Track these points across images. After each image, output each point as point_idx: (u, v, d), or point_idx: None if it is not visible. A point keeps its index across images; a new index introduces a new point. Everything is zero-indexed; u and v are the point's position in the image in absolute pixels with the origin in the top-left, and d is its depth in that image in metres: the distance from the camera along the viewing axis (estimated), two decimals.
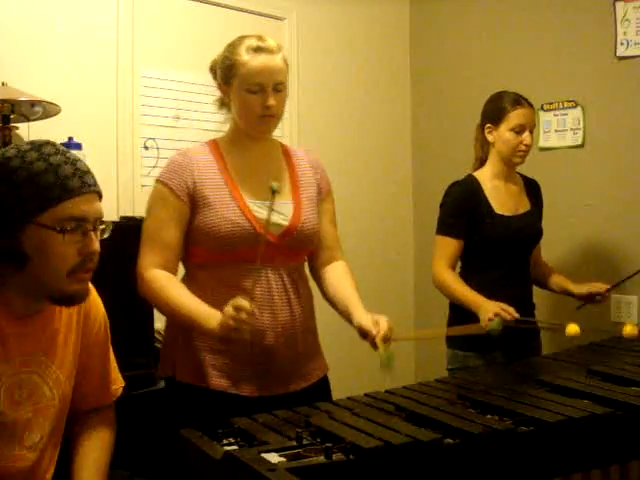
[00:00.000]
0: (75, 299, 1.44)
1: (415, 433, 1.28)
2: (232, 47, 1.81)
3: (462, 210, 2.44)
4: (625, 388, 1.59)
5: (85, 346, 1.58)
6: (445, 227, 2.45)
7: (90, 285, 1.59)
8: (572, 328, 2.12)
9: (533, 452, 1.35)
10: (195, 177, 1.79)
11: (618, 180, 2.94)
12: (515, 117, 2.42)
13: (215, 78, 1.89)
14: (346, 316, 1.82)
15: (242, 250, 1.76)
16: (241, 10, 3.22)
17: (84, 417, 1.62)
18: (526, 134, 2.43)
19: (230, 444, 1.32)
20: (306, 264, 1.97)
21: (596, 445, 1.42)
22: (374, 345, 1.69)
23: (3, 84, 2.28)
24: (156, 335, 2.53)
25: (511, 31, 3.33)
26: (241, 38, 1.81)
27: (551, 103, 3.12)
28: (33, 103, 2.28)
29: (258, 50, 1.76)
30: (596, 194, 2.99)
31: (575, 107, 3.04)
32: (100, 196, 1.44)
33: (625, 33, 2.88)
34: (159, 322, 2.57)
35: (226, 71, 1.81)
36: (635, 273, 2.45)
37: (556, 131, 3.11)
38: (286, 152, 1.95)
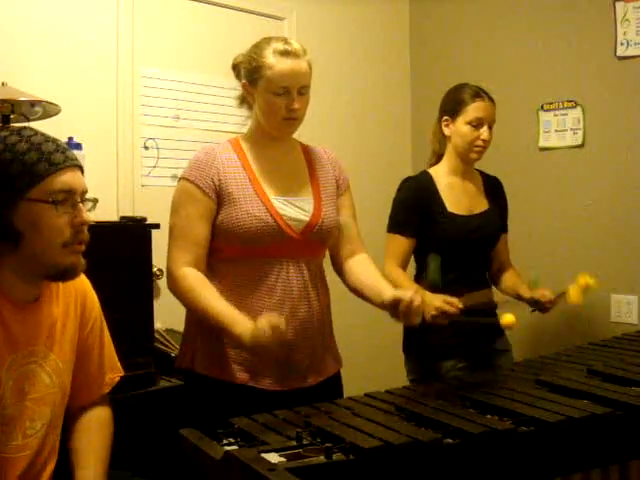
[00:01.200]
0: (71, 272, 1.46)
1: (415, 433, 1.28)
2: (258, 49, 1.84)
3: (413, 207, 2.33)
4: (625, 388, 1.59)
5: (83, 338, 1.60)
6: (396, 225, 2.35)
7: (84, 277, 1.61)
8: (508, 318, 1.98)
9: (533, 452, 1.36)
10: (220, 174, 1.82)
11: (618, 180, 2.94)
12: (473, 110, 2.31)
13: (238, 76, 1.93)
14: (375, 298, 1.83)
15: (265, 245, 1.80)
16: (241, 10, 3.22)
17: (82, 407, 1.64)
18: (484, 129, 2.31)
19: (230, 444, 1.33)
20: (326, 259, 2.00)
21: (596, 445, 1.42)
22: (406, 315, 1.70)
23: (3, 84, 2.28)
24: (156, 335, 2.53)
25: (511, 31, 3.33)
26: (267, 40, 1.84)
27: (551, 103, 3.12)
28: (33, 103, 2.28)
29: (285, 54, 1.79)
30: (596, 194, 2.99)
31: (575, 107, 3.04)
32: (82, 170, 1.48)
33: (625, 33, 2.88)
34: (159, 322, 2.58)
35: (252, 72, 1.84)
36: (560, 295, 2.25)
37: (556, 131, 3.11)
38: (305, 150, 1.99)
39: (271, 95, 1.81)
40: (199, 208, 1.80)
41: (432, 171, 2.40)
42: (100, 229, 2.34)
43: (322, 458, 1.20)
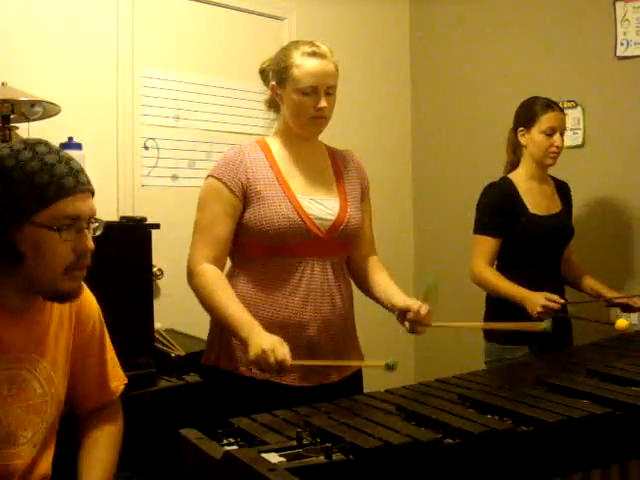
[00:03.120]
0: (69, 296, 1.45)
1: (415, 433, 1.28)
2: (287, 51, 1.90)
3: (498, 209, 2.53)
4: (625, 388, 1.59)
5: (79, 345, 1.58)
6: (483, 226, 2.55)
7: (83, 283, 1.60)
8: (621, 322, 2.21)
9: (533, 452, 1.35)
10: (248, 173, 1.86)
11: (618, 180, 2.94)
12: (546, 120, 2.52)
13: (265, 80, 1.98)
14: (386, 301, 1.94)
15: (291, 244, 1.84)
16: (241, 10, 3.23)
17: (89, 416, 1.63)
18: (557, 136, 2.53)
19: (230, 444, 1.32)
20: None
21: (596, 445, 1.42)
22: (413, 324, 1.82)
23: (3, 84, 2.28)
24: (156, 335, 2.53)
25: (511, 31, 3.33)
26: (295, 43, 1.92)
27: None
28: (33, 103, 2.28)
29: (312, 55, 1.86)
30: (596, 194, 2.99)
31: (575, 107, 3.04)
32: (93, 194, 1.45)
33: (625, 33, 2.88)
34: (159, 322, 2.58)
35: (280, 73, 1.89)
36: None
37: None
38: (331, 152, 2.05)
39: (299, 95, 1.86)
40: (225, 206, 1.84)
41: (511, 176, 2.61)
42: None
43: (322, 458, 1.20)
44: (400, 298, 1.89)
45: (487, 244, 2.52)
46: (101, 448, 1.58)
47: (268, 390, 1.82)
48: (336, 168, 2.00)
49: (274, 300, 1.84)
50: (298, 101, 1.86)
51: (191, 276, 1.84)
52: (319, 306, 1.86)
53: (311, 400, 1.56)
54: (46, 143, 1.41)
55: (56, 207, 1.36)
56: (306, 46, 1.88)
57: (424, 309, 1.81)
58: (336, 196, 1.94)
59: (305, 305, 1.85)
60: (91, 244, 1.42)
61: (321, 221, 1.87)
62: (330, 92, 1.88)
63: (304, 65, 1.85)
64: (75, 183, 1.38)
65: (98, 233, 1.47)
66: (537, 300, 2.29)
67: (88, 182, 1.43)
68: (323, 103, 1.86)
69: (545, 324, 2.04)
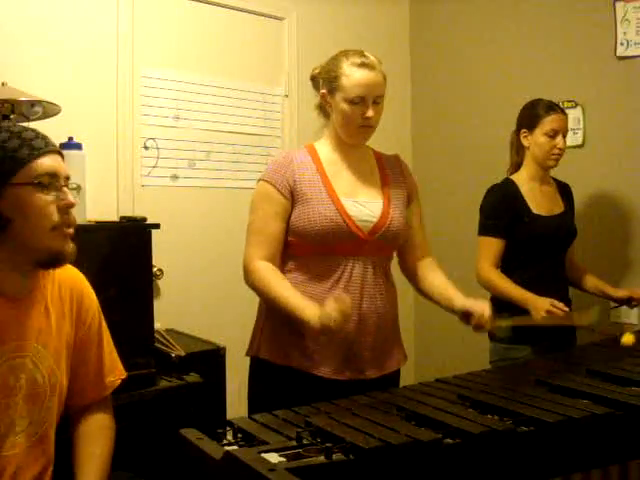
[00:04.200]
0: (62, 256, 1.47)
1: (415, 433, 1.28)
2: (337, 60, 1.96)
3: (502, 211, 2.55)
4: (625, 388, 1.59)
5: (79, 337, 1.60)
6: (487, 228, 2.56)
7: (82, 276, 1.61)
8: (628, 337, 2.16)
9: (533, 452, 1.35)
10: (295, 175, 1.93)
11: (618, 180, 2.94)
12: (549, 122, 2.54)
13: (316, 87, 2.04)
14: (445, 303, 1.98)
15: (333, 244, 1.90)
16: (241, 10, 3.23)
17: (80, 411, 1.63)
18: (559, 138, 2.55)
19: (230, 444, 1.32)
20: (395, 262, 2.11)
21: (596, 445, 1.42)
22: (477, 327, 1.85)
23: (3, 84, 2.28)
24: (156, 335, 2.53)
25: (511, 31, 3.33)
26: (345, 53, 1.97)
27: None
28: (33, 103, 2.27)
29: (362, 66, 1.92)
30: (596, 194, 3.00)
31: (575, 107, 3.04)
32: (62, 156, 1.51)
33: (625, 33, 2.88)
34: (159, 322, 2.58)
35: (331, 82, 1.95)
36: None
37: None
38: (377, 157, 2.10)
39: (348, 104, 1.91)
40: (275, 207, 1.92)
41: (514, 178, 2.63)
42: (100, 229, 2.36)
43: (322, 458, 1.20)
44: (459, 301, 1.92)
45: (492, 245, 2.54)
46: (95, 444, 1.58)
47: (303, 381, 1.88)
48: (382, 172, 2.05)
49: (315, 294, 1.88)
50: (347, 110, 1.91)
51: (247, 274, 1.91)
52: (357, 303, 1.90)
53: (344, 394, 1.60)
54: (9, 120, 1.50)
55: (32, 165, 1.42)
56: (356, 56, 1.94)
57: (487, 312, 1.84)
58: (380, 199, 1.99)
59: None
60: (72, 199, 1.47)
61: (363, 223, 1.92)
62: (378, 101, 1.93)
63: (353, 75, 1.90)
64: (44, 144, 1.45)
65: (76, 196, 1.54)
66: (542, 305, 2.30)
67: (55, 144, 1.50)
68: (370, 113, 1.90)
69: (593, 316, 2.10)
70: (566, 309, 2.32)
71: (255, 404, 1.94)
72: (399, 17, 3.81)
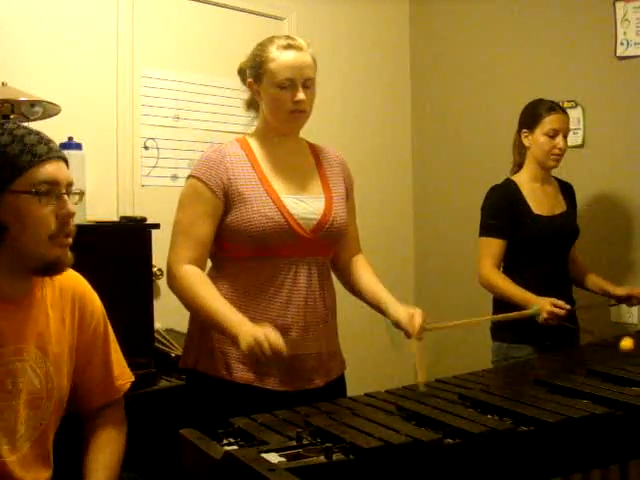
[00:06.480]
0: (57, 266, 1.44)
1: (415, 433, 1.28)
2: (262, 46, 1.86)
3: (503, 211, 2.54)
4: (625, 388, 1.59)
5: (83, 342, 1.58)
6: (488, 228, 2.55)
7: (84, 280, 1.60)
8: (627, 342, 2.12)
9: (533, 452, 1.35)
10: (229, 173, 1.82)
11: (618, 180, 2.94)
12: (549, 122, 2.53)
13: (244, 79, 1.93)
14: (377, 307, 1.90)
15: (275, 245, 1.80)
16: (241, 10, 3.22)
17: (93, 416, 1.62)
18: (559, 138, 2.54)
19: (230, 444, 1.32)
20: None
21: (596, 445, 1.42)
22: (408, 336, 1.77)
23: (3, 84, 2.28)
24: (156, 335, 2.53)
25: (511, 31, 3.33)
26: (270, 38, 1.87)
27: None
28: (33, 103, 2.27)
29: (288, 47, 1.82)
30: (596, 194, 2.99)
31: (575, 107, 3.04)
32: (66, 163, 1.47)
33: (625, 33, 2.88)
34: (159, 322, 2.58)
35: (257, 68, 1.85)
36: None
37: None
38: (313, 149, 1.99)
39: (276, 89, 1.81)
40: (206, 206, 1.80)
41: (515, 178, 2.63)
42: (100, 229, 2.36)
43: (322, 458, 1.20)
44: (392, 310, 1.83)
45: (493, 246, 2.52)
46: (106, 452, 1.57)
47: (248, 395, 1.78)
48: (320, 166, 1.95)
49: (256, 303, 1.80)
50: (275, 95, 1.81)
51: (172, 278, 1.79)
52: (302, 309, 1.82)
53: (292, 406, 1.52)
54: (14, 121, 1.48)
55: (31, 173, 1.38)
56: (281, 39, 1.84)
57: (417, 322, 1.75)
58: (321, 195, 1.89)
59: (287, 307, 1.81)
60: (72, 209, 1.43)
61: (305, 221, 1.82)
62: (308, 85, 1.83)
63: (280, 58, 1.81)
64: (47, 150, 1.41)
65: (77, 202, 1.48)
66: (543, 306, 2.29)
67: (60, 150, 1.46)
68: (301, 96, 1.80)
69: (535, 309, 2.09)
70: (568, 307, 2.32)
71: (195, 421, 1.62)
72: (399, 17, 3.81)
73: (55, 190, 1.41)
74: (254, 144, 1.90)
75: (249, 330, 1.61)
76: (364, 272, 1.98)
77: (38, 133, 1.44)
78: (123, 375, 1.68)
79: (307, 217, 1.83)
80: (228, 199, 1.81)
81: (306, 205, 1.84)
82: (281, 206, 1.80)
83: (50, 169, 1.40)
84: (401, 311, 1.80)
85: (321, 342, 1.87)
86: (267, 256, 1.80)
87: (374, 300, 1.91)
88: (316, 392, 1.82)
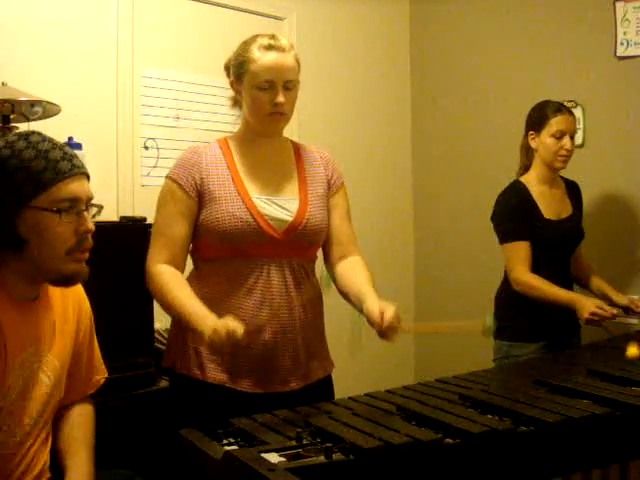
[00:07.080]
0: (73, 279, 1.47)
1: (415, 433, 1.28)
2: (245, 45, 1.83)
3: (519, 213, 2.54)
4: (625, 388, 1.59)
5: (77, 340, 1.61)
6: (510, 233, 2.54)
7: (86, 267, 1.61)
8: (633, 350, 2.08)
9: (533, 452, 1.35)
10: (202, 173, 1.81)
11: (618, 180, 2.94)
12: (555, 123, 2.54)
13: (228, 76, 1.91)
14: (357, 303, 1.78)
15: (245, 245, 1.78)
16: (241, 10, 3.23)
17: (65, 408, 1.64)
18: (566, 139, 2.54)
19: (230, 444, 1.32)
20: (319, 262, 1.96)
21: (596, 445, 1.42)
22: (380, 335, 1.65)
23: (3, 84, 2.28)
24: (156, 335, 2.53)
25: (511, 31, 3.33)
26: (254, 37, 1.83)
27: None
28: (33, 103, 2.27)
29: (269, 48, 1.78)
30: (596, 194, 2.99)
31: (575, 107, 3.04)
32: (88, 178, 1.49)
33: (625, 33, 2.88)
34: (159, 322, 2.58)
35: (238, 68, 1.83)
36: None
37: None
38: (296, 149, 1.96)
39: (256, 90, 1.79)
40: (179, 207, 1.80)
41: (523, 180, 2.63)
42: (100, 229, 2.35)
43: (322, 458, 1.20)
44: (367, 304, 1.69)
45: (520, 249, 2.50)
46: (75, 427, 1.60)
47: (222, 396, 1.77)
48: (300, 166, 1.91)
49: (229, 303, 1.77)
50: (255, 97, 1.79)
51: (148, 277, 1.79)
52: (276, 309, 1.79)
53: (268, 408, 1.50)
54: (39, 133, 1.46)
55: (54, 190, 1.39)
56: (264, 39, 1.80)
57: (388, 322, 1.62)
58: (296, 195, 1.85)
59: (260, 308, 1.78)
60: (91, 225, 1.45)
61: (277, 222, 1.79)
62: (289, 87, 1.79)
63: (261, 59, 1.77)
64: (70, 167, 1.43)
65: (96, 216, 1.50)
66: (588, 306, 2.31)
67: (83, 166, 1.47)
68: (280, 98, 1.77)
69: (487, 323, 1.81)
70: (614, 310, 2.34)
71: (178, 420, 1.67)
72: (399, 17, 3.81)
73: (75, 207, 1.43)
74: (233, 145, 1.89)
75: (210, 322, 1.58)
76: (351, 274, 1.87)
77: (62, 147, 1.45)
78: (100, 371, 1.71)
79: (279, 218, 1.80)
80: (201, 198, 1.80)
81: (278, 207, 1.81)
82: (251, 206, 1.78)
83: (72, 187, 1.42)
84: (373, 306, 1.67)
85: (297, 343, 1.83)
86: (238, 257, 1.79)
87: (358, 301, 1.77)
88: (294, 395, 1.79)
